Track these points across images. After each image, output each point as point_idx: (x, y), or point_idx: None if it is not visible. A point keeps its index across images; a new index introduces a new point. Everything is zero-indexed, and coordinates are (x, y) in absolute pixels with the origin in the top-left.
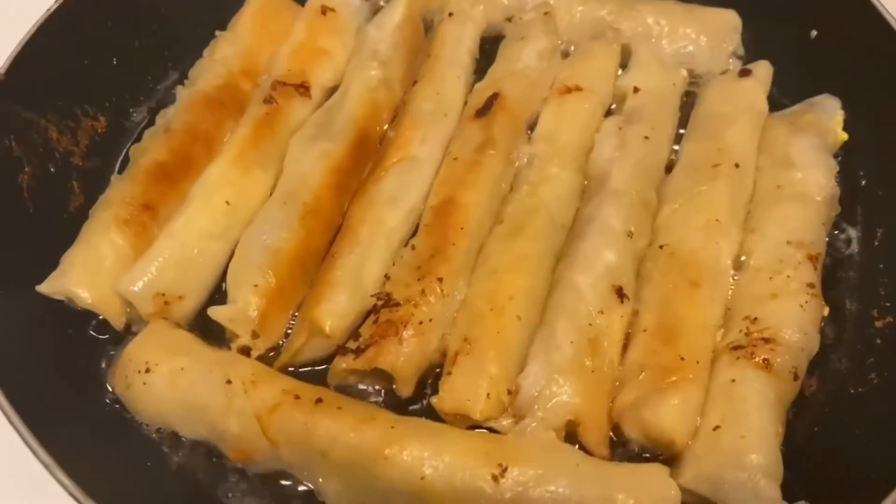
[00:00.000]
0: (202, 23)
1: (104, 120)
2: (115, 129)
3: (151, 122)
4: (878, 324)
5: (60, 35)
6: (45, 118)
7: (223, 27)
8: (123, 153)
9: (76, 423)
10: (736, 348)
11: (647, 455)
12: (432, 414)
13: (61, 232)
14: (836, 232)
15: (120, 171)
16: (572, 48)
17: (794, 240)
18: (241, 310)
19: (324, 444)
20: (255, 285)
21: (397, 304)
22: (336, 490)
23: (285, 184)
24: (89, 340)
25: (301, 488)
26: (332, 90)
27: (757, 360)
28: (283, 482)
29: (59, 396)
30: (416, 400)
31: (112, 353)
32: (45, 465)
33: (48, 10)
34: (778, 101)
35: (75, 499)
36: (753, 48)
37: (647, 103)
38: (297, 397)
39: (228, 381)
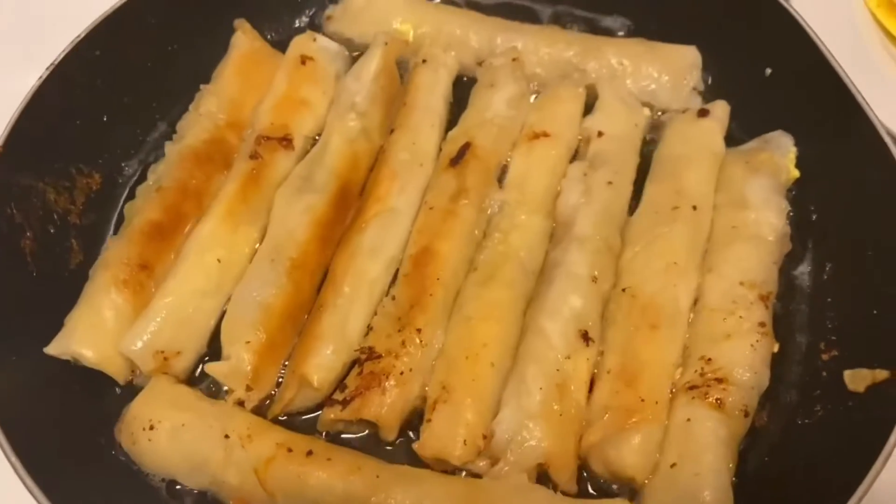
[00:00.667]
0: (186, 73)
1: (98, 177)
2: (109, 184)
3: (143, 175)
4: (825, 356)
5: (54, 100)
6: (42, 181)
7: (206, 74)
8: (118, 208)
9: (85, 476)
10: (691, 388)
11: (615, 486)
12: (413, 455)
13: (64, 290)
14: (788, 266)
15: (116, 225)
16: (539, 89)
17: (747, 280)
18: (236, 366)
19: (316, 494)
20: (248, 342)
21: (379, 357)
22: None
23: (272, 239)
24: (95, 395)
25: None
26: (314, 139)
27: (710, 399)
28: None
29: (67, 450)
30: (400, 441)
31: (117, 405)
32: None
33: (40, 77)
34: (736, 135)
35: None
36: (713, 84)
37: (611, 147)
38: (290, 450)
39: (227, 436)
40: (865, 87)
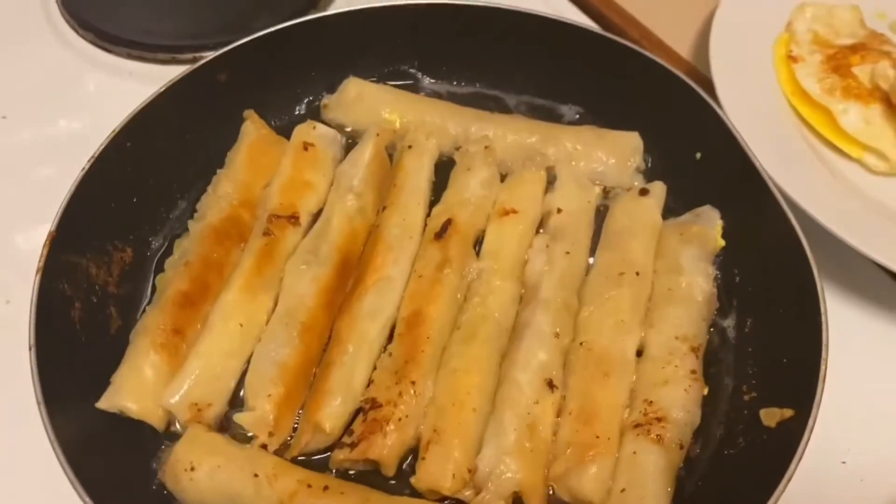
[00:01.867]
0: (202, 157)
1: (130, 251)
2: (139, 257)
3: (169, 248)
4: (746, 397)
5: (96, 186)
6: (85, 258)
7: (220, 158)
8: (149, 276)
9: None
10: (637, 426)
11: None
12: (410, 485)
13: (106, 352)
14: (717, 320)
15: (149, 297)
16: (507, 171)
17: (681, 335)
18: (260, 416)
19: None
20: (269, 395)
21: (381, 406)
22: None
23: (284, 306)
24: (140, 440)
25: None
26: (317, 214)
27: (652, 435)
28: None
29: (124, 487)
30: (397, 475)
31: (159, 448)
32: None
33: (83, 169)
34: (673, 208)
35: None
36: (653, 164)
37: (568, 222)
38: (310, 486)
39: (255, 475)
40: (780, 169)
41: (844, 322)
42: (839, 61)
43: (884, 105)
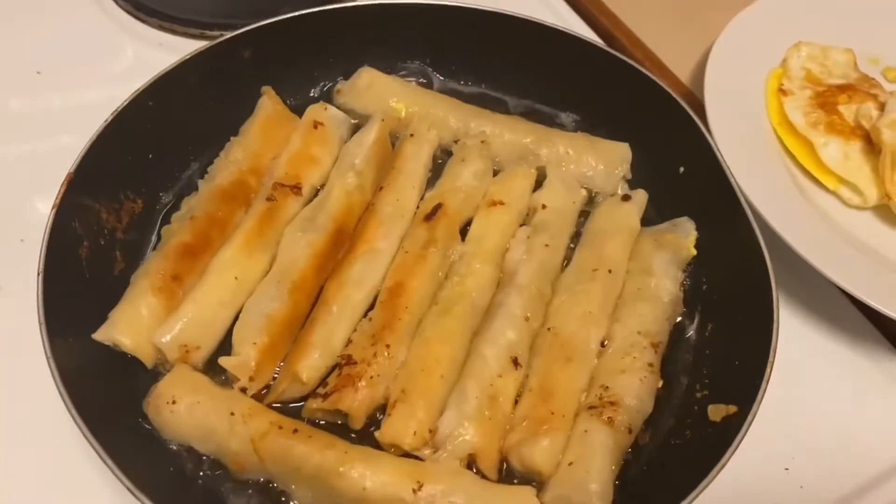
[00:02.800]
0: (218, 125)
1: (140, 202)
2: (149, 209)
3: (177, 205)
4: (698, 394)
5: (115, 138)
6: (98, 203)
7: (235, 128)
8: (155, 228)
9: (125, 434)
10: (591, 408)
11: (531, 479)
12: (374, 441)
13: (109, 290)
14: (682, 324)
15: (154, 246)
16: (500, 166)
17: (643, 330)
18: (243, 361)
19: (297, 462)
20: (254, 343)
21: (355, 363)
22: (304, 494)
23: (279, 266)
24: (130, 373)
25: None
26: (319, 188)
27: (604, 417)
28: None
29: (112, 413)
30: (364, 430)
31: (145, 382)
32: (102, 459)
33: (105, 120)
34: (652, 217)
35: (130, 490)
36: (638, 174)
37: (551, 218)
38: (281, 427)
39: (232, 413)
40: (758, 191)
41: (797, 336)
42: (827, 98)
43: (864, 143)
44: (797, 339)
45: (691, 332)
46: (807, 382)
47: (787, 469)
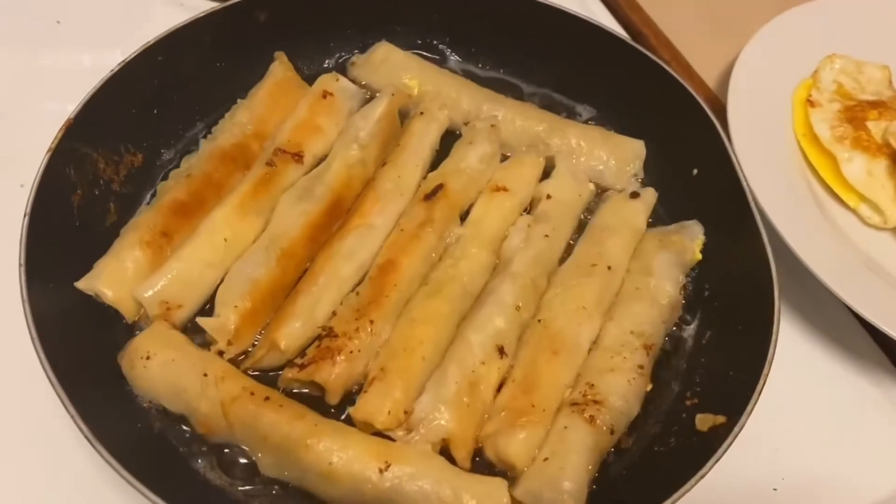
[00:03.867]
0: (226, 86)
1: (141, 157)
2: (148, 164)
3: (178, 162)
4: (688, 402)
5: (119, 89)
6: (96, 152)
7: (243, 90)
8: (152, 184)
9: (93, 386)
10: (574, 404)
11: (504, 471)
12: (348, 418)
13: (98, 241)
14: (679, 329)
15: (148, 201)
16: (509, 152)
17: (637, 331)
18: (223, 323)
19: (265, 430)
20: (236, 306)
21: (336, 336)
22: (269, 462)
23: (271, 232)
24: (108, 326)
25: (242, 459)
26: (321, 159)
27: (585, 415)
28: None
29: (82, 363)
30: (340, 406)
31: (122, 337)
32: (71, 416)
33: (112, 70)
34: (662, 217)
35: (88, 440)
36: (651, 173)
37: (555, 209)
38: (252, 394)
39: (205, 375)
40: (774, 202)
41: (798, 352)
42: (856, 113)
43: (890, 161)
44: (798, 355)
45: (688, 338)
46: (803, 400)
47: (775, 490)
